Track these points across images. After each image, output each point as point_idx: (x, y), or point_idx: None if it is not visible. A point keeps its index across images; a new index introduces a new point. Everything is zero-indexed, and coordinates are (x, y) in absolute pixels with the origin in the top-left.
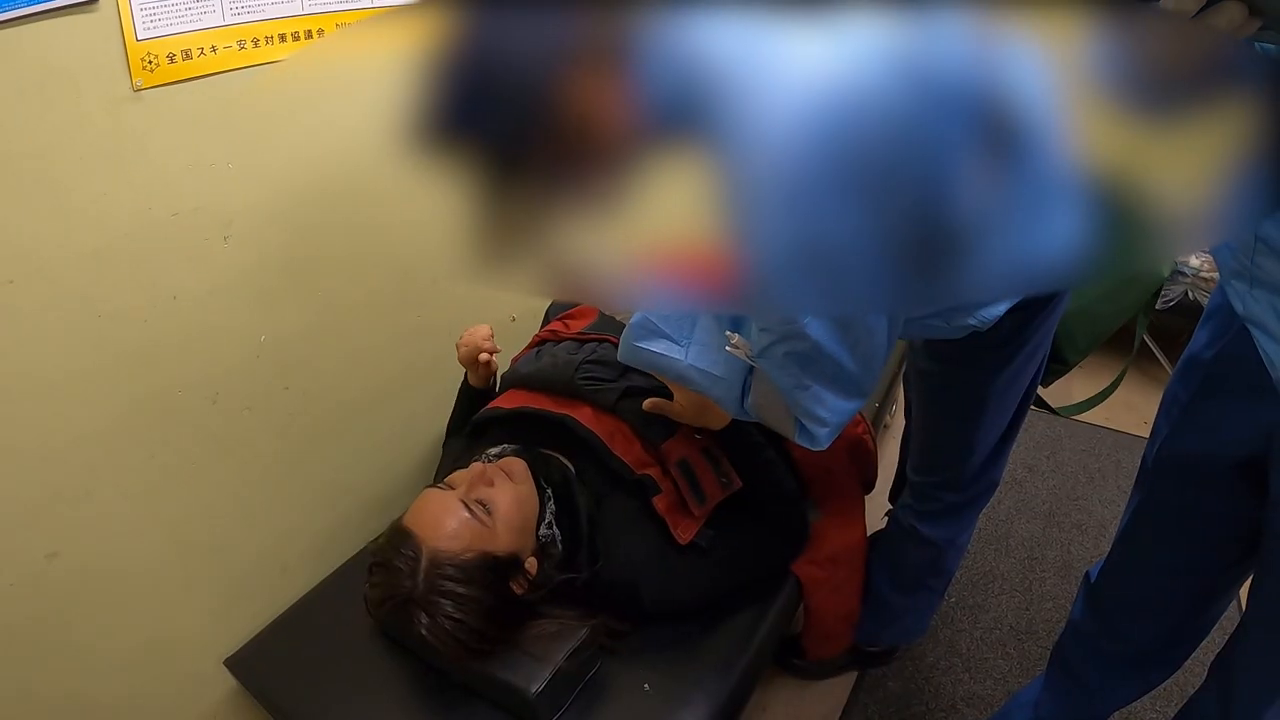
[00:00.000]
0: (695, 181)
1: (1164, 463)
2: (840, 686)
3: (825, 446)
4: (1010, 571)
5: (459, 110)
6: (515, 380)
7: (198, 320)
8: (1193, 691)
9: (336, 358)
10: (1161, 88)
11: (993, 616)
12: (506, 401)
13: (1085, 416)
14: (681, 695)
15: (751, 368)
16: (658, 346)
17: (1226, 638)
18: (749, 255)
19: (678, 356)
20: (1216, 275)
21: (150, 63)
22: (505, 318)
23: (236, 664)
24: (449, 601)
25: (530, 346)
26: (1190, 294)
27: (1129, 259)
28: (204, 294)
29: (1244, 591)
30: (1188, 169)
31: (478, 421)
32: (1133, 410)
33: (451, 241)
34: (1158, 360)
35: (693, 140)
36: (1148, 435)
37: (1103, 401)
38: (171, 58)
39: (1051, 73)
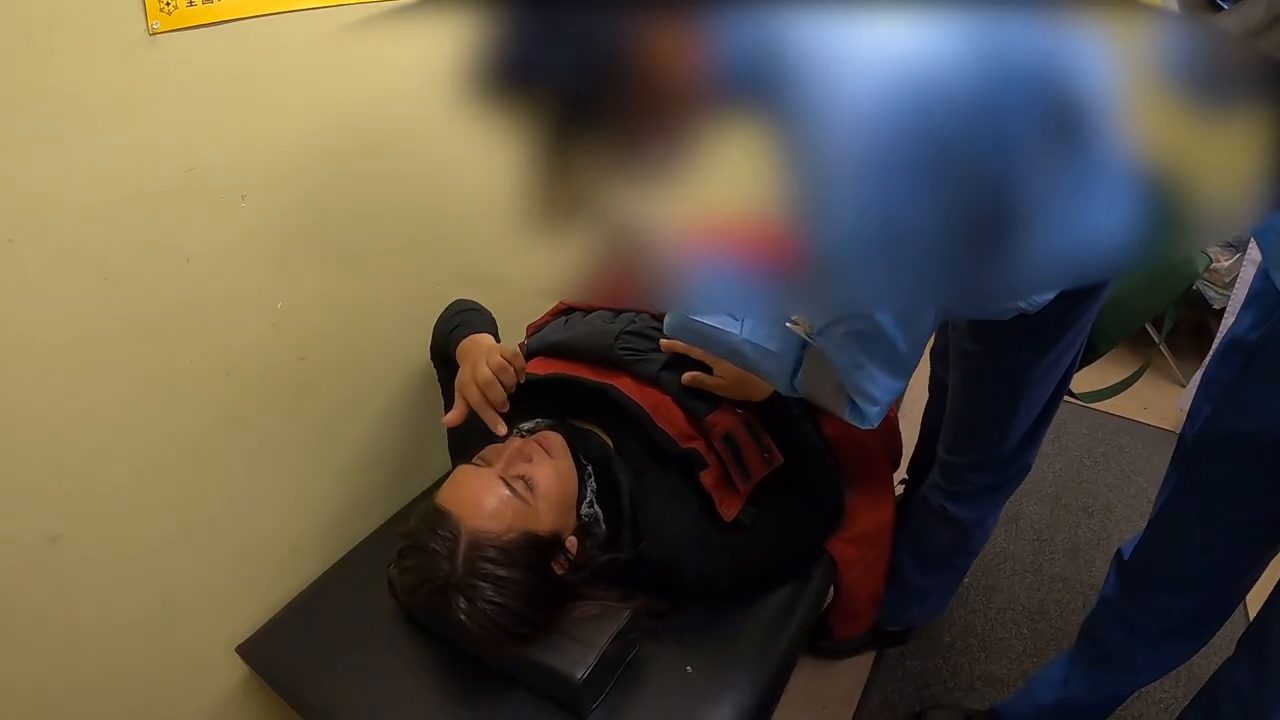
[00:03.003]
0: (765, 153)
1: (1205, 442)
2: (859, 665)
3: (876, 425)
4: (1021, 553)
5: (522, 58)
6: (544, 348)
7: (212, 285)
8: (1202, 672)
9: (355, 328)
10: (1216, 85)
11: (1006, 597)
12: (536, 368)
13: (1087, 402)
14: (723, 676)
15: (805, 344)
16: (713, 319)
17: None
18: (817, 232)
19: (733, 330)
20: (1223, 267)
21: (168, 5)
22: (529, 290)
23: (248, 650)
24: (489, 585)
25: (554, 314)
26: (1194, 285)
27: (1173, 246)
28: (219, 257)
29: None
30: (1229, 161)
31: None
32: (1132, 396)
33: (507, 198)
34: (1158, 347)
35: (766, 110)
36: (1147, 421)
37: (1126, 389)
38: (191, 1)
39: (1116, 62)
